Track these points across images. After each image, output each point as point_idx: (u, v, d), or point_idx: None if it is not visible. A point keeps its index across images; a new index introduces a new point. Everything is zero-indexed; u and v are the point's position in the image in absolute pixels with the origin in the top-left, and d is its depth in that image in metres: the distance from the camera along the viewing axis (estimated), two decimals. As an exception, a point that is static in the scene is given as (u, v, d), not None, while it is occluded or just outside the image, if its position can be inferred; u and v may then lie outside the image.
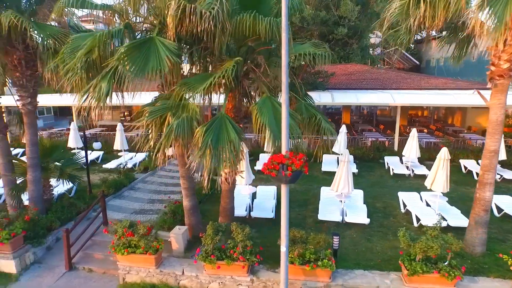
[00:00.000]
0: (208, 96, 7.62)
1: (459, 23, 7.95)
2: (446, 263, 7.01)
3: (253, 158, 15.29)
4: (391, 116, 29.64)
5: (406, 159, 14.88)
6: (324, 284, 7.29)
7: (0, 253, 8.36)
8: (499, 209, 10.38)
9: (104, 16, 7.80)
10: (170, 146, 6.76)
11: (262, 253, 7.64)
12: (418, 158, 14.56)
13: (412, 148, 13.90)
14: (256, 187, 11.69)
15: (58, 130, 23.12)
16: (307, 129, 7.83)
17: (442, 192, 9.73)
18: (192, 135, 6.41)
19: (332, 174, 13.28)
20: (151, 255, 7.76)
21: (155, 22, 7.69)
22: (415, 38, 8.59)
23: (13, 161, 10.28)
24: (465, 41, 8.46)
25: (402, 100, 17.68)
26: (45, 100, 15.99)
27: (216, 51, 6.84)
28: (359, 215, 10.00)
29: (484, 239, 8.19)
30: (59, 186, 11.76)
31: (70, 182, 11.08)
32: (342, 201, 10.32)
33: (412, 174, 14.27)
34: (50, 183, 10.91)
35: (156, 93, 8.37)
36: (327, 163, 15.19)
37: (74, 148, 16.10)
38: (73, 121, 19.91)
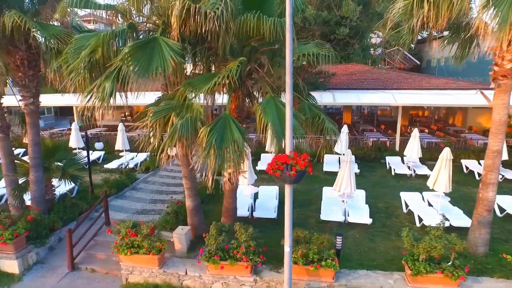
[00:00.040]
0: (211, 96, 7.62)
1: (463, 24, 7.94)
2: (449, 263, 7.01)
3: (254, 158, 15.27)
4: (392, 116, 29.64)
5: (407, 159, 14.88)
6: (328, 284, 7.29)
7: (3, 253, 8.36)
8: (502, 209, 10.39)
9: (107, 16, 7.79)
10: (174, 146, 6.75)
11: (265, 253, 7.64)
12: (420, 158, 14.57)
13: (413, 148, 13.91)
14: (258, 187, 11.69)
15: (59, 130, 23.10)
16: (311, 129, 7.83)
17: (444, 192, 9.73)
18: (196, 135, 6.41)
19: (333, 174, 13.31)
20: (154, 255, 7.76)
21: (158, 22, 7.69)
22: (417, 38, 8.58)
23: (15, 161, 10.28)
24: (468, 41, 8.46)
25: (404, 100, 17.70)
26: (46, 100, 15.97)
27: (220, 51, 6.84)
28: (361, 215, 10.00)
29: (487, 239, 8.20)
30: (61, 186, 11.76)
31: (72, 182, 11.07)
32: (344, 201, 10.32)
33: (413, 174, 14.28)
34: (52, 183, 10.91)
35: (159, 93, 8.37)
36: (329, 163, 15.20)
37: (75, 148, 16.10)
38: (74, 121, 19.90)
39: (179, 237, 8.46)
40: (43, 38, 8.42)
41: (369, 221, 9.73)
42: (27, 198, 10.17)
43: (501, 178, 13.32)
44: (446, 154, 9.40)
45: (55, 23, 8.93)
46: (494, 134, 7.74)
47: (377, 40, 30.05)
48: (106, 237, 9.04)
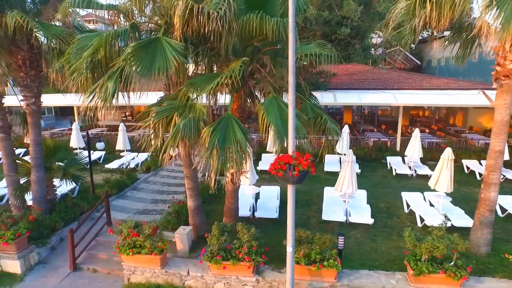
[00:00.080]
0: (214, 96, 7.62)
1: (466, 23, 7.94)
2: (452, 263, 7.01)
3: (255, 158, 15.27)
4: (392, 116, 29.65)
5: (408, 159, 14.89)
6: (330, 284, 7.29)
7: (5, 253, 8.36)
8: (503, 209, 10.39)
9: (109, 17, 7.79)
10: (176, 146, 6.75)
11: (267, 253, 7.64)
12: (420, 158, 14.57)
13: (414, 148, 13.90)
14: (259, 187, 11.69)
15: (59, 130, 23.11)
16: (313, 129, 7.83)
17: (446, 192, 9.73)
18: (199, 135, 6.41)
19: (334, 174, 13.33)
20: (156, 255, 7.76)
21: (160, 22, 7.69)
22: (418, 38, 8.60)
23: (17, 161, 10.28)
24: (470, 41, 8.46)
25: (404, 100, 17.70)
26: (47, 100, 15.97)
27: (222, 51, 6.84)
28: (363, 215, 9.99)
29: (489, 239, 8.20)
30: (62, 186, 11.75)
31: (73, 182, 11.07)
32: (345, 201, 10.32)
33: (414, 174, 14.28)
34: (53, 183, 10.91)
35: (161, 93, 8.37)
36: (330, 163, 15.19)
37: (76, 148, 16.10)
38: (74, 121, 19.90)
39: (181, 237, 8.46)
40: (45, 38, 8.42)
41: (370, 221, 9.73)
42: (29, 198, 10.16)
43: (502, 178, 13.31)
44: (447, 154, 9.40)
45: (57, 23, 8.93)
46: (496, 134, 7.74)
47: (377, 40, 30.06)
48: (108, 237, 9.04)
